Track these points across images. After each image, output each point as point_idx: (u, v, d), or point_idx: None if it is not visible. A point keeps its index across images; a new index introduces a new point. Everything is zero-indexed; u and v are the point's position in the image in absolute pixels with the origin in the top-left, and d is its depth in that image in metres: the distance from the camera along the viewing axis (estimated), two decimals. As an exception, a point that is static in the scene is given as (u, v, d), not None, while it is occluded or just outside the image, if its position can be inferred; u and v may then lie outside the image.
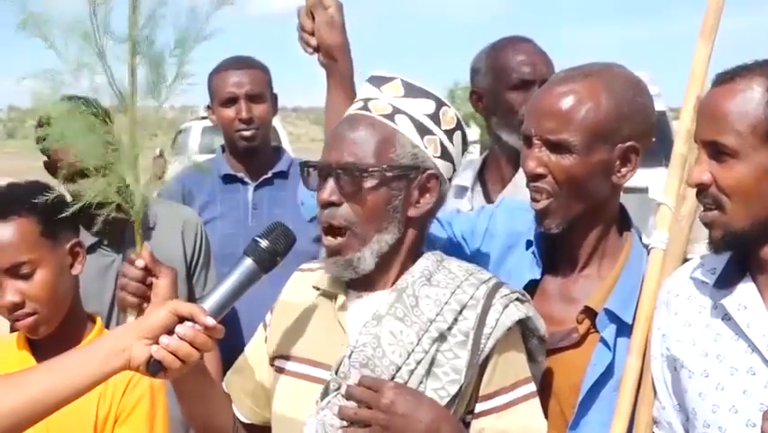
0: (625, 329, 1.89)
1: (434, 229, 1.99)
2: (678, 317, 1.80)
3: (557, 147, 1.86)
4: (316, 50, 2.32)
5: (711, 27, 1.91)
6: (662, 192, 1.94)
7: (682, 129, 1.92)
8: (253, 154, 3.27)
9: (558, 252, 1.98)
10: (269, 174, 3.26)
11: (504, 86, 2.67)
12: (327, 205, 1.72)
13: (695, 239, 1.94)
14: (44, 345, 2.03)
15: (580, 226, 1.93)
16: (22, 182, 2.15)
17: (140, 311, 1.90)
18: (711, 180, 1.66)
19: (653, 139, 1.96)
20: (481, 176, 2.82)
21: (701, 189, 1.69)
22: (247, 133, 3.21)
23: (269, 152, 3.34)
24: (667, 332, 1.82)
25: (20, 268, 1.99)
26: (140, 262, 1.89)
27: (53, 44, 1.88)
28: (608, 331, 1.88)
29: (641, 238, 2.01)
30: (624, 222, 2.01)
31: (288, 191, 3.16)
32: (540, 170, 1.88)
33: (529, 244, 2.00)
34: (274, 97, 3.33)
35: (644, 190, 6.95)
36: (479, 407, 1.70)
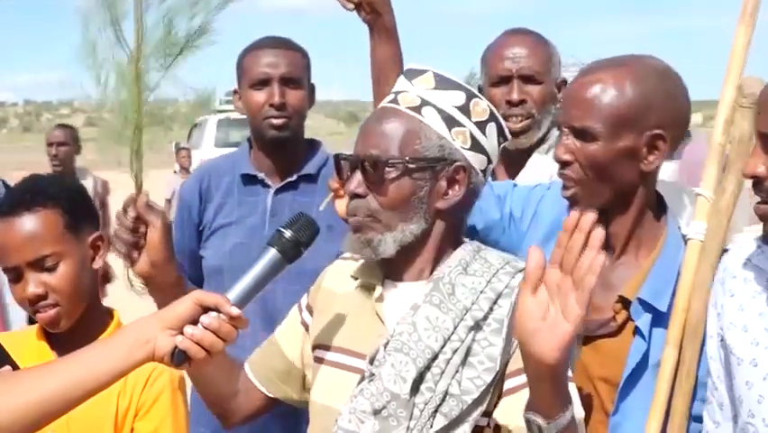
0: (660, 318, 1.88)
1: (488, 205, 2.03)
2: (734, 300, 1.79)
3: (582, 134, 1.89)
4: (358, 5, 2.25)
5: (752, 11, 1.88)
6: (701, 183, 1.93)
7: (720, 119, 1.91)
8: (282, 149, 2.76)
9: None
10: (294, 177, 2.76)
11: (487, 83, 2.62)
12: (353, 196, 1.76)
13: (733, 227, 1.93)
14: (63, 338, 2.01)
15: (612, 214, 1.93)
16: (45, 175, 2.13)
17: (131, 261, 1.83)
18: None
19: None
20: (492, 173, 2.81)
21: (757, 182, 1.67)
22: (278, 122, 2.70)
23: (300, 149, 2.82)
24: (722, 311, 1.81)
25: (44, 261, 1.97)
26: (131, 211, 1.79)
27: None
28: (643, 320, 1.88)
29: (679, 227, 1.99)
30: (660, 210, 1.99)
31: (313, 197, 2.65)
32: (567, 157, 1.91)
33: None
34: (311, 87, 2.83)
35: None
36: (507, 384, 1.67)
